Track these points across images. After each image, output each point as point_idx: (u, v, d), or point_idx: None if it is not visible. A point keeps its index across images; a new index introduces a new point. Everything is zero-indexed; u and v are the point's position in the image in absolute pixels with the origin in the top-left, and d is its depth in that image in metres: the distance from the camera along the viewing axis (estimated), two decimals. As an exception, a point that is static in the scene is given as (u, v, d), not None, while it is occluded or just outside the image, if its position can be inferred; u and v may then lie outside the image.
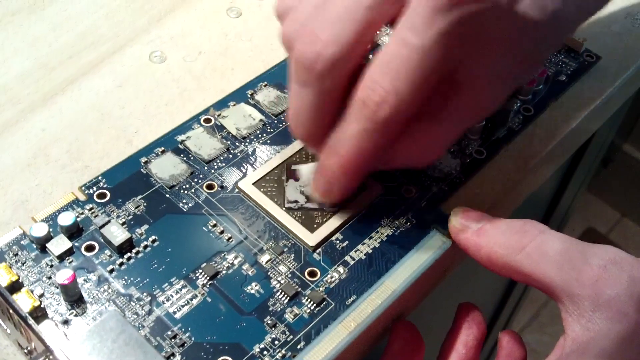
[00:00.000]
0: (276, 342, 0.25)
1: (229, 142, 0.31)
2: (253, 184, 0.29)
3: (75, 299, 0.25)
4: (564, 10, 0.27)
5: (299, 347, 0.25)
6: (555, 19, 0.27)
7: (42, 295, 0.25)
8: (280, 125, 0.32)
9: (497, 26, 0.25)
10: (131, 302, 0.26)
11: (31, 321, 0.23)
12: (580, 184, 0.67)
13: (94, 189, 0.29)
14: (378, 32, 0.26)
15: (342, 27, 0.25)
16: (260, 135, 0.31)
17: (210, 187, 0.29)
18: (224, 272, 0.27)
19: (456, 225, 0.28)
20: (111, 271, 0.26)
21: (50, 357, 0.22)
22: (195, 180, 0.30)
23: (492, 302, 0.71)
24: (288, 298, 0.26)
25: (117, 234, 0.27)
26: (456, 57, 0.25)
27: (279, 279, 0.27)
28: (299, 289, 0.26)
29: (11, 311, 0.23)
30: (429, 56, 0.24)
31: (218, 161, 0.30)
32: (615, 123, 0.62)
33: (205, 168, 0.30)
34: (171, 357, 0.24)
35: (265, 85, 0.33)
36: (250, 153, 0.31)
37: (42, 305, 0.24)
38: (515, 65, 0.27)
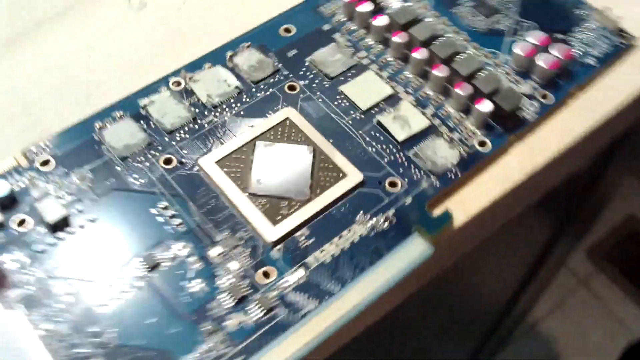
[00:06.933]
0: (211, 354, 0.22)
1: (196, 111, 0.27)
2: (216, 162, 0.26)
3: (-7, 282, 0.22)
4: None
5: (237, 360, 0.22)
6: None
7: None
8: (259, 94, 0.28)
9: None
10: (55, 290, 0.23)
11: None
12: (620, 169, 0.62)
13: (39, 155, 0.26)
14: None
15: None
16: (233, 105, 0.28)
17: (168, 161, 0.26)
18: (166, 264, 0.23)
19: None
20: (42, 252, 0.23)
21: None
22: (152, 152, 0.26)
23: (504, 294, 0.67)
24: (235, 301, 0.23)
25: (52, 209, 0.24)
26: None
27: (228, 277, 0.23)
28: (249, 291, 0.23)
29: None
30: None
31: (181, 132, 0.27)
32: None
33: (166, 139, 0.26)
34: (90, 360, 0.21)
35: (248, 47, 0.29)
36: (219, 125, 0.27)
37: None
38: None
